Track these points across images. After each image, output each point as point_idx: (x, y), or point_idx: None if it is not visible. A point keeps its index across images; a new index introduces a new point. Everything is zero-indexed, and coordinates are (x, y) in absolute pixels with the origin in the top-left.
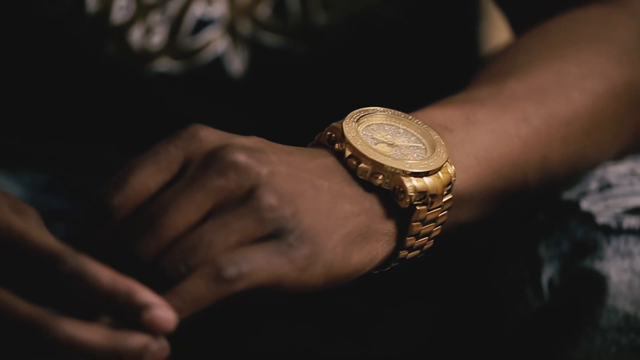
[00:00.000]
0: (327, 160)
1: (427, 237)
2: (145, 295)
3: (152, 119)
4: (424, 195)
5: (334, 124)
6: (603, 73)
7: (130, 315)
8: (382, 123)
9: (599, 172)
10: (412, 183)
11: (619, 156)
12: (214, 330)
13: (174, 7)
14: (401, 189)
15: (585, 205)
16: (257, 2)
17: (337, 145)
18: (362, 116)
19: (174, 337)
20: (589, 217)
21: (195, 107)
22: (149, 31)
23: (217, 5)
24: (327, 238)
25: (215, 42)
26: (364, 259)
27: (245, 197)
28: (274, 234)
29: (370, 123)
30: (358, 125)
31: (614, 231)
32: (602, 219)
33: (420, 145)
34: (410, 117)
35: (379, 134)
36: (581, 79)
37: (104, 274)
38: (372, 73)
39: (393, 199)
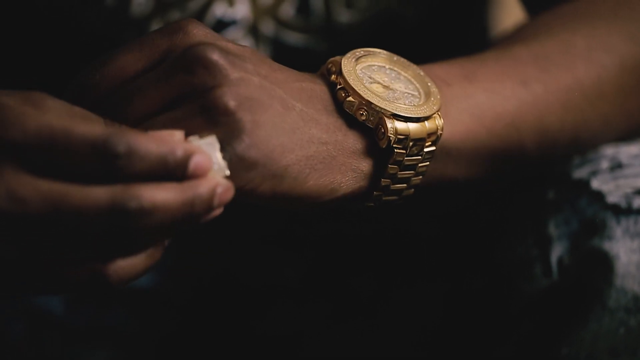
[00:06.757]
0: (313, 87)
1: (405, 184)
2: (183, 147)
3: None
4: (404, 140)
5: (336, 57)
6: (612, 47)
7: (178, 168)
8: (384, 66)
9: (610, 152)
10: (393, 124)
11: (631, 135)
12: (223, 311)
13: (193, 6)
14: (382, 129)
15: (595, 184)
16: (280, 3)
17: (332, 77)
18: (365, 55)
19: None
20: (599, 196)
21: None
22: None
23: (239, 6)
24: (281, 154)
25: (238, 42)
26: (322, 187)
27: (204, 95)
28: (225, 139)
29: (372, 63)
30: (358, 63)
31: (623, 211)
32: (612, 198)
33: (416, 93)
34: (414, 66)
35: (378, 75)
36: (588, 50)
37: (150, 140)
38: None
39: (374, 138)
